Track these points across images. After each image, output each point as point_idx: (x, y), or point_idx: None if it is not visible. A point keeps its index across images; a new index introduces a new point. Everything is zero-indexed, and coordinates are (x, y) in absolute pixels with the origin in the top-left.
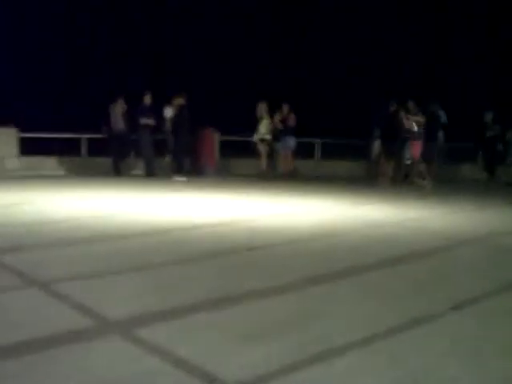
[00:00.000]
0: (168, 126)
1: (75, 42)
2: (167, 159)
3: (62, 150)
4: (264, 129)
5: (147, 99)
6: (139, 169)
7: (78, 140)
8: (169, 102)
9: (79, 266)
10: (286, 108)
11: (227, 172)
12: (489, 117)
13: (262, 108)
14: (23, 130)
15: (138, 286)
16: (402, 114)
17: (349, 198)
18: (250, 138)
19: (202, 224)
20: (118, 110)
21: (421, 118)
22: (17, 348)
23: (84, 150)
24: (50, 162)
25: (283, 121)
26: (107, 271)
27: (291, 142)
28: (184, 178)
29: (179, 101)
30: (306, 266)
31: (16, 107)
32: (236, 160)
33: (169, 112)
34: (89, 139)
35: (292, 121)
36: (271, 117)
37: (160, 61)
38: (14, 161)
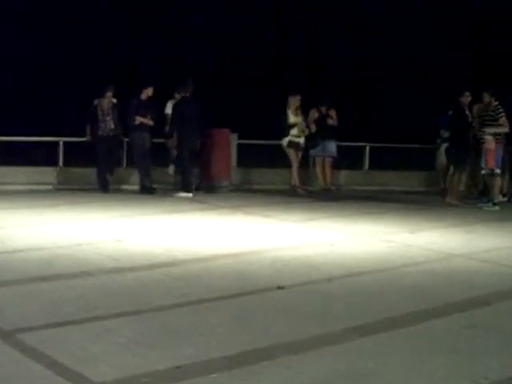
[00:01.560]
0: (169, 127)
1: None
2: (169, 170)
3: (38, 158)
4: (296, 130)
5: (147, 93)
6: (133, 183)
7: (53, 145)
8: (172, 96)
9: (55, 308)
10: (325, 103)
11: (247, 186)
12: None
13: (293, 102)
14: None
15: (131, 336)
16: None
17: (407, 220)
18: (277, 142)
19: (215, 255)
20: (106, 106)
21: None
22: None
23: (62, 158)
24: (18, 174)
25: (321, 120)
26: (91, 316)
27: (332, 147)
28: (190, 195)
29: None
30: (352, 310)
31: None
32: (258, 171)
33: (170, 108)
34: (68, 144)
35: (333, 119)
36: (305, 114)
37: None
38: None
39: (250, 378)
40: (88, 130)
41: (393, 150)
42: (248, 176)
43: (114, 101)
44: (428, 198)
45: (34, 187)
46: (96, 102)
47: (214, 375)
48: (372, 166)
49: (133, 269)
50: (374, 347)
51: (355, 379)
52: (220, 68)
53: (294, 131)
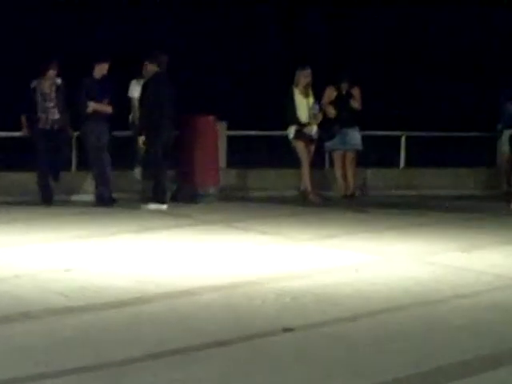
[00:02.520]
0: (135, 114)
1: None
2: (135, 174)
3: None
4: (306, 115)
5: (101, 70)
6: (86, 191)
7: None
8: (138, 75)
9: None
10: (345, 79)
11: (241, 193)
12: None
13: (302, 78)
14: None
15: None
16: None
17: (457, 235)
18: (281, 133)
19: (202, 287)
20: (48, 89)
21: None
22: None
23: None
24: None
25: (340, 101)
26: (34, 373)
27: (355, 137)
28: (164, 207)
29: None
30: (383, 361)
31: None
32: (256, 172)
33: (136, 90)
34: None
35: (356, 102)
36: (319, 95)
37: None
38: None
39: None
40: (24, 122)
41: (436, 141)
42: (242, 179)
43: (59, 82)
44: (486, 204)
45: None
46: (34, 83)
47: None
48: (409, 163)
49: (90, 308)
50: None
51: None
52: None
53: (302, 117)
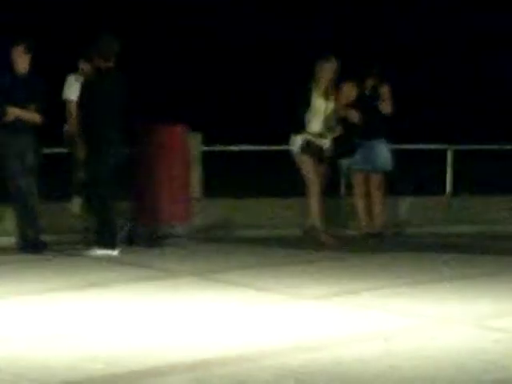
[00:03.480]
0: (71, 124)
1: None
2: (72, 206)
3: None
4: (321, 124)
5: (22, 62)
6: (5, 232)
7: None
8: (75, 69)
9: None
10: (372, 73)
11: (222, 232)
12: None
13: (325, 73)
14: None
15: None
16: None
17: None
18: (278, 148)
19: (175, 367)
20: None
21: None
22: None
23: None
24: None
25: (363, 102)
26: None
27: (382, 153)
28: (114, 252)
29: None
30: None
31: None
32: (243, 202)
33: (74, 90)
34: None
35: (386, 104)
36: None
37: None
38: None
39: None
40: None
41: (494, 157)
42: (224, 213)
43: None
44: None
45: None
46: None
47: None
48: (458, 188)
49: None
50: None
51: None
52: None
53: (315, 126)
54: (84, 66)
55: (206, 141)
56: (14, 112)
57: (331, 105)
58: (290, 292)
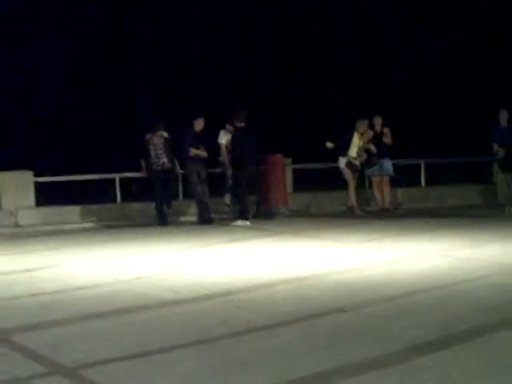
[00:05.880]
0: (223, 155)
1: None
2: (225, 199)
3: (90, 195)
4: (356, 152)
5: (198, 125)
6: (191, 214)
7: (110, 182)
8: (224, 126)
9: (117, 343)
10: (378, 122)
11: (305, 211)
12: None
13: (361, 127)
14: (38, 174)
15: (195, 367)
16: None
17: (471, 236)
18: (334, 164)
19: (277, 281)
20: (158, 142)
21: None
22: None
23: (119, 194)
24: (74, 213)
25: (376, 139)
26: (154, 349)
27: (388, 165)
28: (247, 223)
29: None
30: (413, 329)
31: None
32: (315, 195)
33: (223, 138)
34: (124, 180)
35: (388, 138)
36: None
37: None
38: (30, 213)
39: None
40: (143, 165)
41: (449, 166)
42: (305, 200)
43: (166, 135)
44: (487, 210)
45: (93, 225)
46: (148, 136)
47: None
48: (428, 182)
49: (193, 300)
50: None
51: None
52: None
53: (353, 153)
54: (229, 126)
55: (294, 162)
56: (193, 152)
57: (361, 142)
58: (340, 240)
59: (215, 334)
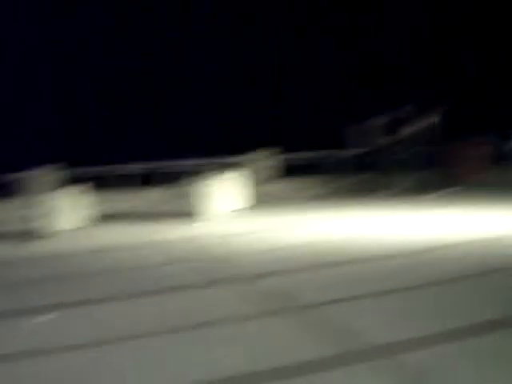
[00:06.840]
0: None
1: None
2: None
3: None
4: None
5: (406, 110)
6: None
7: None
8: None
9: (335, 289)
10: None
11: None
12: None
13: None
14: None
15: (396, 310)
16: None
17: None
18: None
19: (437, 246)
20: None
21: None
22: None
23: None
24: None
25: None
26: (362, 294)
27: None
28: (452, 190)
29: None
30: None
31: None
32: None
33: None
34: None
35: None
36: None
37: None
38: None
39: None
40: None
41: None
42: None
43: None
44: None
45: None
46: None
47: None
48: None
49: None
50: None
51: None
52: None
53: None
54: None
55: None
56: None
57: None
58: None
59: (429, 280)
